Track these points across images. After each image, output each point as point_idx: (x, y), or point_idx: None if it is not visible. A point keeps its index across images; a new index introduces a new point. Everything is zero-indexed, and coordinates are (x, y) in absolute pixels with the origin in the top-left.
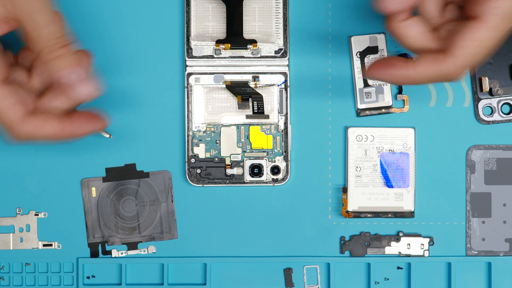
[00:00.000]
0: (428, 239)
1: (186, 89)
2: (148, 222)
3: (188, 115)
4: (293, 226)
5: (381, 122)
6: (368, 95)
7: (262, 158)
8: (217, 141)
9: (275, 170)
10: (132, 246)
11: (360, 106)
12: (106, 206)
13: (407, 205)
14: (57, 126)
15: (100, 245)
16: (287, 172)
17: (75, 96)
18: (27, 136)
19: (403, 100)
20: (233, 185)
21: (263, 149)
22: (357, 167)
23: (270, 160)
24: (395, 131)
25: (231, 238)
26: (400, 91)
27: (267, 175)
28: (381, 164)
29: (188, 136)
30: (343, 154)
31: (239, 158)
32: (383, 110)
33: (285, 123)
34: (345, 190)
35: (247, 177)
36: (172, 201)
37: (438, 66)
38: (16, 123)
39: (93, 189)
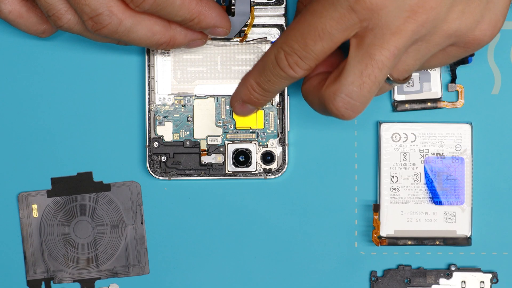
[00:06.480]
0: (490, 275)
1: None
2: (109, 252)
3: (149, 83)
4: (304, 249)
5: (425, 117)
6: (409, 83)
7: (250, 141)
8: (189, 119)
9: (267, 157)
10: (88, 284)
11: (398, 97)
12: (52, 230)
13: (462, 229)
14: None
15: (43, 283)
16: (284, 160)
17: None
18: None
19: (457, 92)
20: (210, 178)
21: (251, 129)
22: (393, 177)
23: (260, 144)
24: (445, 128)
25: (218, 269)
26: (453, 79)
27: (256, 165)
28: (425, 172)
29: (149, 112)
30: (375, 158)
31: (218, 141)
32: (429, 104)
33: (281, 94)
34: (376, 208)
35: (230, 167)
36: (142, 223)
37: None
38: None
39: (35, 206)
